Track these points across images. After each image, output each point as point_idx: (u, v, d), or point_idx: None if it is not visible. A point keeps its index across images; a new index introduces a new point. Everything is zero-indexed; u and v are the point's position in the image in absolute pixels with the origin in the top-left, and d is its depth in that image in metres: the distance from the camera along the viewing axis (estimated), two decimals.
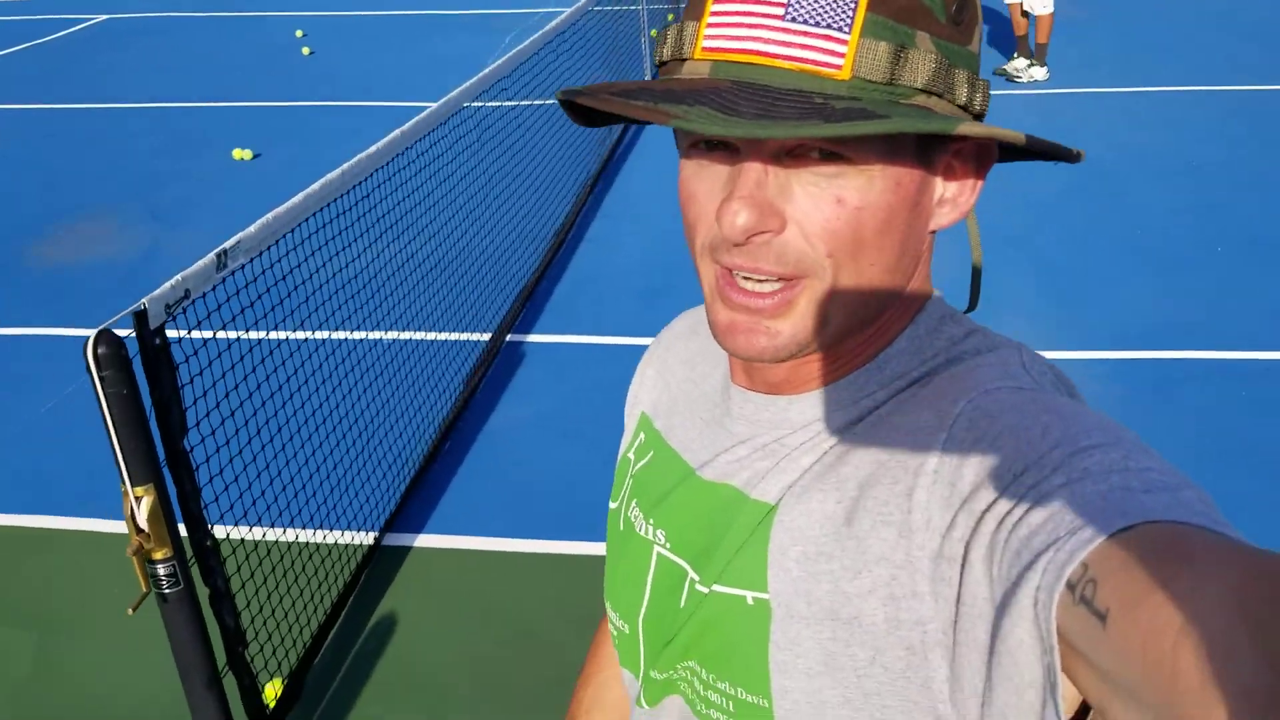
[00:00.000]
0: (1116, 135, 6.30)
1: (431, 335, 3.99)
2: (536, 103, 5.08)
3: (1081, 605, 0.49)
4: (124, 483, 2.02)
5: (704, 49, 0.64)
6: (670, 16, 8.87)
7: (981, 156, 0.71)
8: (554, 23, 5.19)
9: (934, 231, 0.73)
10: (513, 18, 10.56)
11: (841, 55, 0.61)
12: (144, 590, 2.07)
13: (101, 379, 1.93)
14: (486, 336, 4.24)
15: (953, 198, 0.71)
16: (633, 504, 0.86)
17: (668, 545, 0.80)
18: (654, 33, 8.54)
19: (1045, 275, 4.68)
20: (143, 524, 2.02)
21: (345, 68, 9.02)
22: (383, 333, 3.91)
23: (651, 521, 0.83)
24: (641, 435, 0.90)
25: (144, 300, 2.06)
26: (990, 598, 0.58)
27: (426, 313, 3.98)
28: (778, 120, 0.58)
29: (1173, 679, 0.43)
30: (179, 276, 2.17)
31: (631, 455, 0.91)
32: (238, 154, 6.65)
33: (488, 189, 4.82)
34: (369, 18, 11.16)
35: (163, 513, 2.04)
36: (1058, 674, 0.51)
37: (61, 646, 2.89)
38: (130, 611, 2.02)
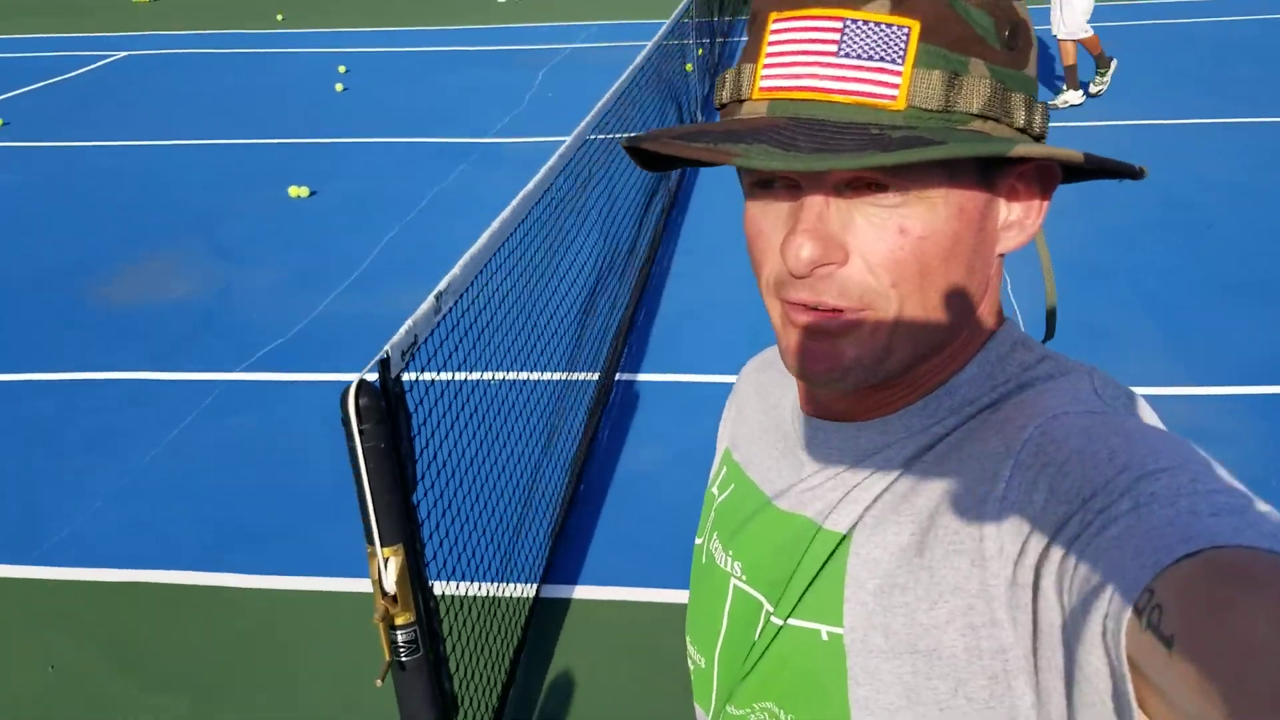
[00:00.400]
0: (1189, 167, 6.29)
1: (549, 376, 3.87)
2: (602, 137, 4.99)
3: (1149, 631, 0.49)
4: (372, 544, 1.88)
5: (761, 89, 0.66)
6: (700, 50, 8.84)
7: (1045, 178, 0.71)
8: (639, 59, 5.12)
9: (1002, 255, 0.73)
10: (539, 54, 10.54)
11: (896, 86, 0.63)
12: (387, 659, 1.93)
13: (361, 433, 1.80)
14: (594, 376, 4.12)
15: (1018, 220, 0.71)
16: (714, 536, 0.87)
17: (744, 577, 0.80)
18: (688, 66, 8.52)
19: (1146, 307, 4.62)
20: (390, 588, 1.89)
21: (382, 103, 8.93)
22: (505, 373, 3.79)
23: (730, 553, 0.83)
24: (724, 469, 0.91)
25: (386, 348, 1.94)
26: (1064, 624, 0.58)
27: (539, 351, 3.87)
28: (836, 153, 0.59)
29: (1238, 699, 0.43)
30: (409, 322, 2.05)
31: (715, 490, 0.91)
32: (294, 191, 6.53)
33: (569, 225, 4.72)
34: (397, 54, 11.10)
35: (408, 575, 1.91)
36: (1131, 703, 0.51)
37: (224, 713, 2.73)
38: (378, 683, 1.88)
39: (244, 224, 6.17)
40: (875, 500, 0.72)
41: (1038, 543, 0.60)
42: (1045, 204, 0.72)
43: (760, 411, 0.89)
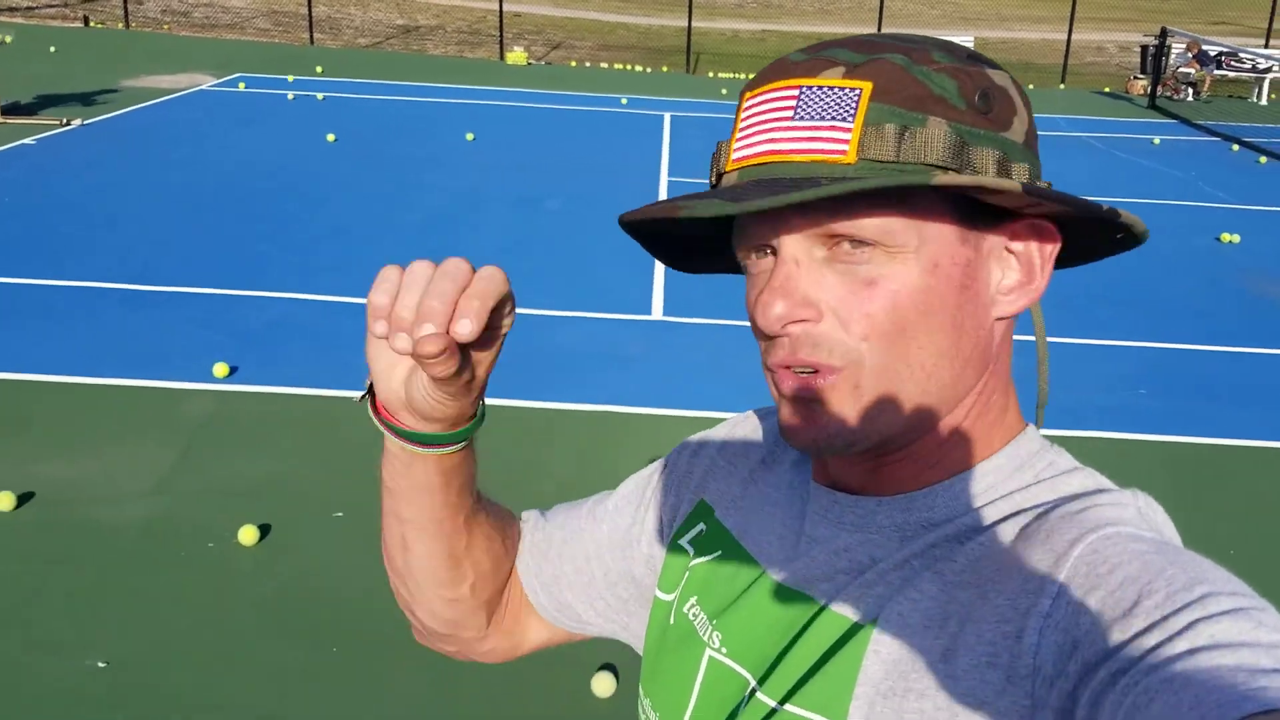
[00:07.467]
0: None
1: None
2: None
3: None
4: None
5: (733, 160, 0.70)
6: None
7: (1044, 237, 0.70)
8: None
9: (1003, 319, 0.71)
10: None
11: (846, 141, 0.65)
12: None
13: None
14: None
15: (1019, 283, 0.71)
16: (690, 600, 0.83)
17: (724, 650, 0.78)
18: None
19: None
20: None
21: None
22: None
23: (714, 624, 0.79)
24: (701, 526, 0.86)
25: None
26: None
27: None
28: (771, 195, 0.61)
29: None
30: None
31: (687, 544, 0.86)
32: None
33: None
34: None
35: None
36: None
37: None
38: None
39: None
40: (896, 592, 0.69)
41: (1079, 666, 0.57)
42: (1048, 266, 0.70)
43: (766, 483, 0.84)
